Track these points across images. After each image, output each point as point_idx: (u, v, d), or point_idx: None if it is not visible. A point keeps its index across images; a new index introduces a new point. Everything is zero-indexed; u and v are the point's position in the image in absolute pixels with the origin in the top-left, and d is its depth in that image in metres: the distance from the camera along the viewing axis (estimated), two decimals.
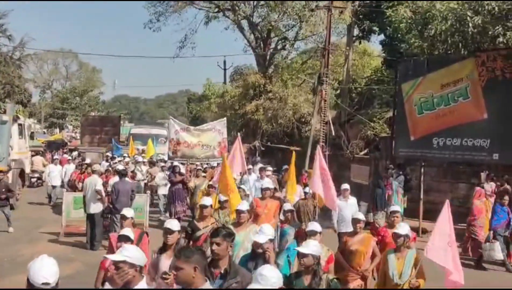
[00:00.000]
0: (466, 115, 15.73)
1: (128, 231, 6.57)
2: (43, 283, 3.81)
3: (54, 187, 20.31)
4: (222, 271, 4.99)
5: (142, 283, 4.38)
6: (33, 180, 24.75)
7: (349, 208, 11.50)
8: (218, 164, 17.55)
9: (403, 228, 7.17)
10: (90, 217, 13.25)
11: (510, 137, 14.86)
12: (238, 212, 7.77)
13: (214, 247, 5.05)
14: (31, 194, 21.95)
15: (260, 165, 20.93)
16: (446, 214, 6.76)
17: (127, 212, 7.61)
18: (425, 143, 16.72)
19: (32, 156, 25.09)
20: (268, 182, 11.61)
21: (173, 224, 6.26)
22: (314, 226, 7.05)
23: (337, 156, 22.91)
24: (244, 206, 7.92)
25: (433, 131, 16.53)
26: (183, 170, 16.60)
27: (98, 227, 13.20)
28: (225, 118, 18.02)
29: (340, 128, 24.93)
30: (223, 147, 16.94)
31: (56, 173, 20.35)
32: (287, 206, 9.06)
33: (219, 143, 17.03)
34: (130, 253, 4.40)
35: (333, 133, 22.08)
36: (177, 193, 15.62)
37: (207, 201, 8.29)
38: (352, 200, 11.99)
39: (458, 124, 15.88)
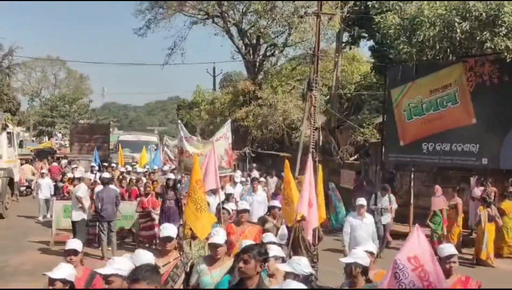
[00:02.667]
0: (455, 120, 15.83)
1: (64, 269, 5.00)
2: None
3: (45, 201, 18.77)
4: None
5: None
6: (22, 188, 24.56)
7: (364, 228, 9.86)
8: (229, 176, 15.69)
9: (351, 256, 5.56)
10: (73, 225, 13.25)
11: (499, 142, 14.96)
12: (214, 246, 5.97)
13: (241, 264, 4.58)
14: (20, 203, 21.77)
15: (255, 172, 20.63)
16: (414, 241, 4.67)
17: (75, 244, 5.82)
18: (415, 148, 16.81)
19: (21, 164, 24.93)
20: (245, 203, 9.07)
21: (143, 258, 4.99)
22: (276, 250, 5.87)
23: (327, 162, 22.92)
24: (220, 237, 6.03)
25: (422, 136, 16.62)
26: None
27: (80, 234, 12.79)
28: (229, 120, 15.20)
29: (330, 134, 24.97)
30: (230, 155, 14.24)
31: (44, 186, 19.17)
32: (268, 237, 6.85)
33: (226, 151, 13.90)
34: (121, 265, 4.36)
35: (321, 139, 22.10)
36: (168, 213, 13.30)
37: (171, 230, 6.09)
38: (369, 219, 10.19)
39: (447, 129, 15.98)
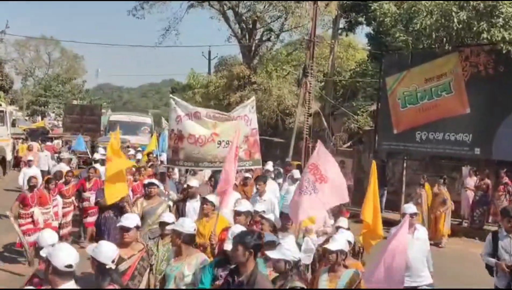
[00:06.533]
0: (449, 109, 15.86)
1: None
2: (66, 266, 3.94)
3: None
4: (241, 279, 4.52)
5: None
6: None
7: (417, 246, 6.90)
8: (252, 171, 12.68)
9: (337, 242, 5.45)
10: None
11: (491, 132, 15.00)
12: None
13: (226, 247, 4.69)
14: (11, 182, 21.63)
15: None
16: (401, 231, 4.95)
17: None
18: (408, 136, 16.83)
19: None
20: (245, 203, 6.94)
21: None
22: (271, 235, 5.75)
23: None
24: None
25: (416, 125, 16.64)
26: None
27: None
28: (253, 97, 11.08)
29: (324, 120, 24.94)
30: (252, 143, 10.21)
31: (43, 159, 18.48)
32: (289, 238, 5.30)
33: (246, 138, 10.07)
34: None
35: (317, 125, 22.08)
36: (107, 226, 9.54)
37: (129, 220, 5.66)
38: (422, 232, 7.25)
39: (441, 118, 16.01)
